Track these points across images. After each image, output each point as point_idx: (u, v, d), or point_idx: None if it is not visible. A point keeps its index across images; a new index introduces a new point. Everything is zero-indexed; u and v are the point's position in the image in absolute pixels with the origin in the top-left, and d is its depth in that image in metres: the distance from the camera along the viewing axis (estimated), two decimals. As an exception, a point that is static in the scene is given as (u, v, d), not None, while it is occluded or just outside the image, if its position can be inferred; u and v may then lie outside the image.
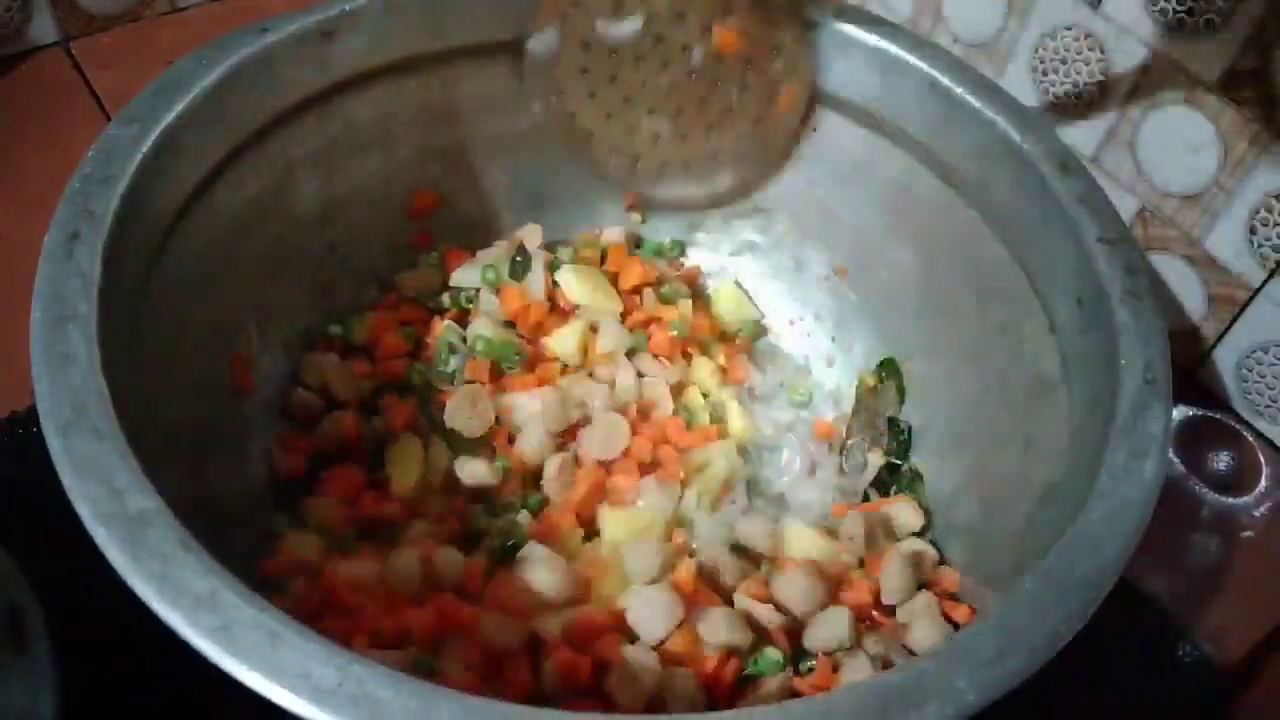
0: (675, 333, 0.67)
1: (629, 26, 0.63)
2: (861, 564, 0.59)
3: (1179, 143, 0.66)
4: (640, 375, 0.66)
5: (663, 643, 0.52)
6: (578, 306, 0.67)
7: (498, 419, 0.63)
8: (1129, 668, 0.59)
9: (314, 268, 0.66)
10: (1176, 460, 0.67)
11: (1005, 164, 0.59)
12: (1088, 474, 0.47)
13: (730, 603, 0.56)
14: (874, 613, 0.57)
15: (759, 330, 0.73)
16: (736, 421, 0.66)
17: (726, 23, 0.63)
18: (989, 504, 0.59)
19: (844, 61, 0.65)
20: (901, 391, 0.67)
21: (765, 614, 0.55)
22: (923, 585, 0.58)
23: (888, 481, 0.65)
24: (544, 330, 0.66)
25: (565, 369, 0.66)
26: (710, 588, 0.56)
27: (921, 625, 0.55)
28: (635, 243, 0.74)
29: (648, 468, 0.62)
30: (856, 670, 0.53)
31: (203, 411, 0.57)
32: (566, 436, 0.63)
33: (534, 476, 0.62)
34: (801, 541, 0.59)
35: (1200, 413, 0.69)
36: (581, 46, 0.63)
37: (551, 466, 0.61)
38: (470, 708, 0.37)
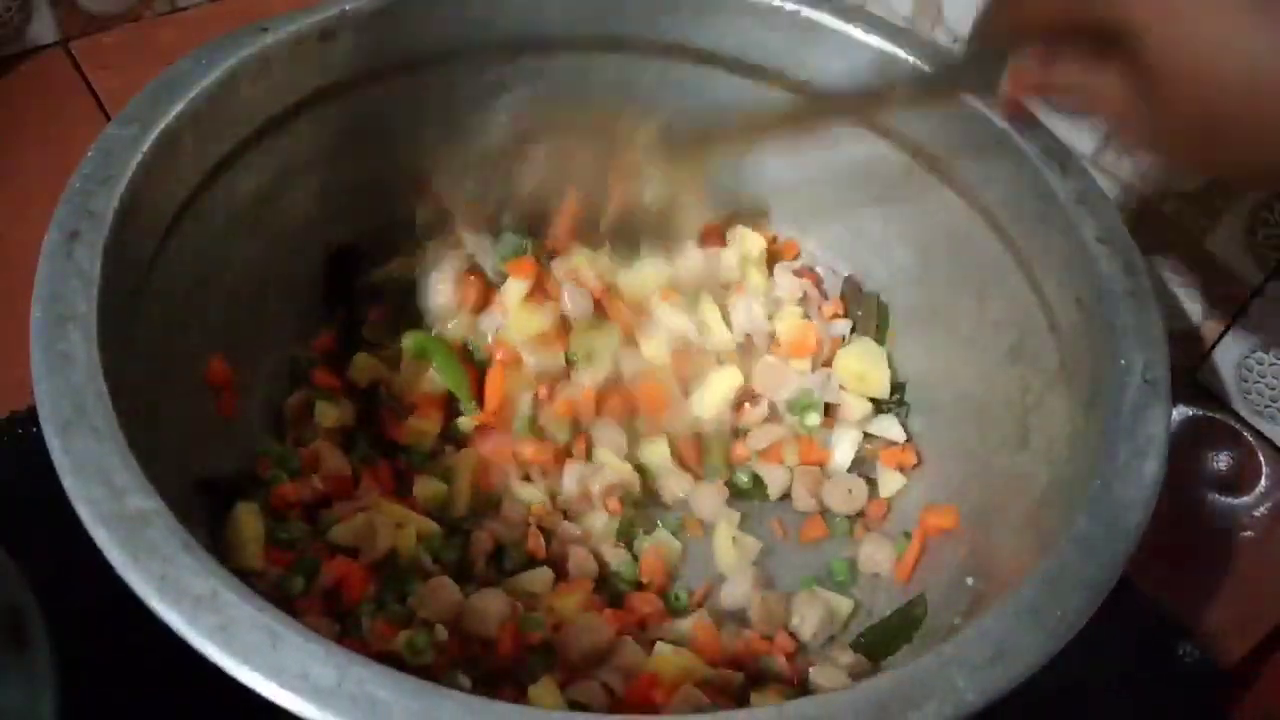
0: None
1: None
2: None
3: (1179, 143, 0.66)
4: None
5: None
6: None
7: None
8: (1129, 668, 0.59)
9: (313, 267, 0.66)
10: (1176, 460, 0.67)
11: (1004, 164, 0.59)
12: (1087, 474, 0.47)
13: None
14: None
15: None
16: None
17: None
18: (988, 504, 0.59)
19: (844, 62, 0.64)
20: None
21: None
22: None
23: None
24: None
25: None
26: None
27: None
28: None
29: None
30: None
31: (203, 410, 0.57)
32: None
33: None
34: None
35: (1200, 413, 0.69)
36: None
37: None
38: (470, 708, 0.37)
